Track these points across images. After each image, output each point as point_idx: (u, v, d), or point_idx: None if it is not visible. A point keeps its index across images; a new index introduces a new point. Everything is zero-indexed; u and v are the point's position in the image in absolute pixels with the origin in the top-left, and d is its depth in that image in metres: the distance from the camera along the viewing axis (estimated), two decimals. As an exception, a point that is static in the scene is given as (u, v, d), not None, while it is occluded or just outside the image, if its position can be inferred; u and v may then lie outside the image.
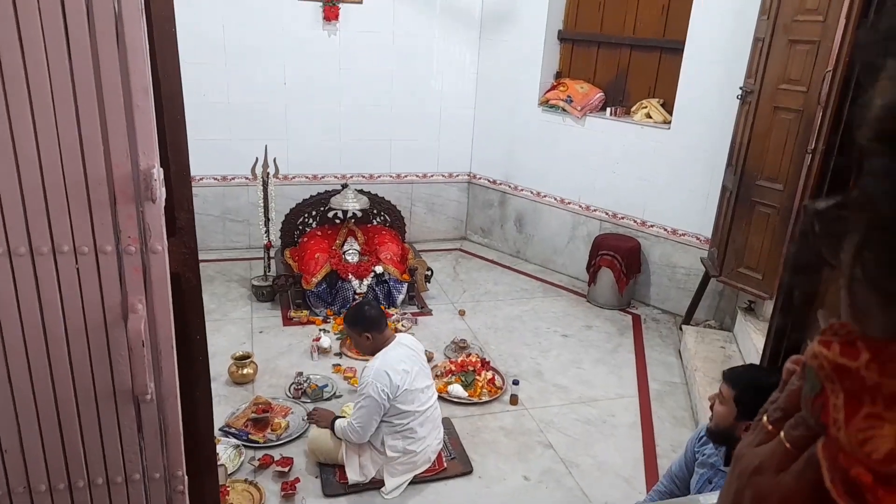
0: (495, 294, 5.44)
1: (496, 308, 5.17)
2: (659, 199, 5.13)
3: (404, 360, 2.90)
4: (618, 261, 5.10)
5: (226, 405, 3.64)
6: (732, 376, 2.06)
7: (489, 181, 6.36)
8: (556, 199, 5.82)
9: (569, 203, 5.73)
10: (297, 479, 3.05)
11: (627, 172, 5.27)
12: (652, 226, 5.22)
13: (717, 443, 2.09)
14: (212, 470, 1.65)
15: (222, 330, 4.53)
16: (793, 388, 0.44)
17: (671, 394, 4.05)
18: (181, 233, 1.48)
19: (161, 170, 1.24)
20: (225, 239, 5.97)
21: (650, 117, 5.13)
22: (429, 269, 5.19)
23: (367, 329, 2.87)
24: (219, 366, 3.90)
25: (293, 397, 3.75)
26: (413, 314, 4.88)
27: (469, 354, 4.22)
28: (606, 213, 5.48)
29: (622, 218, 5.38)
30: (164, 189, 1.27)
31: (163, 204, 1.25)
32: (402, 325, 4.64)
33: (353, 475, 2.95)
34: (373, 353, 2.96)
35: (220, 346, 4.21)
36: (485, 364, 4.12)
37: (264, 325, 4.65)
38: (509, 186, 6.17)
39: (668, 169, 5.02)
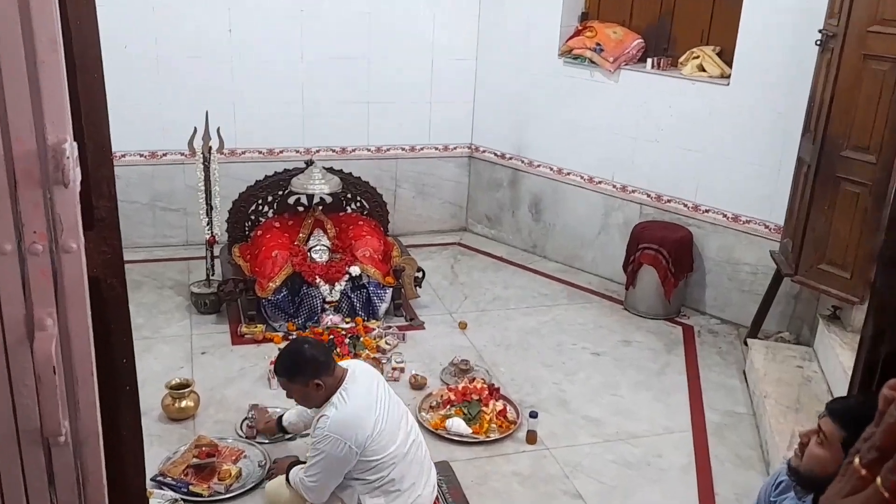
0: (505, 301, 5.46)
1: (507, 319, 5.18)
2: (716, 175, 5.15)
3: (370, 394, 2.87)
4: (663, 256, 5.12)
5: (160, 447, 3.65)
6: (841, 412, 1.96)
7: (496, 155, 6.37)
8: (582, 176, 5.83)
9: (599, 182, 5.74)
10: (254, 543, 3.09)
11: (675, 142, 5.28)
12: (707, 210, 5.23)
13: (806, 489, 2.04)
14: (144, 532, 1.66)
15: (154, 351, 4.54)
16: (891, 422, 0.44)
17: (734, 427, 4.07)
18: (101, 226, 1.48)
19: (75, 145, 1.24)
20: (155, 233, 5.97)
21: (703, 70, 5.14)
22: (419, 269, 5.20)
23: (315, 375, 2.81)
24: (150, 397, 3.91)
25: (246, 437, 3.75)
26: (400, 328, 4.89)
27: (473, 379, 4.23)
28: (648, 195, 5.49)
29: (668, 201, 5.40)
30: (78, 170, 1.27)
31: (78, 189, 1.25)
32: (387, 343, 4.65)
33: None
34: (326, 401, 2.90)
35: (152, 372, 4.22)
36: (493, 391, 4.14)
37: (208, 345, 4.66)
38: (522, 161, 6.18)
39: (727, 137, 5.04)
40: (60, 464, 1.37)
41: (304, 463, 3.11)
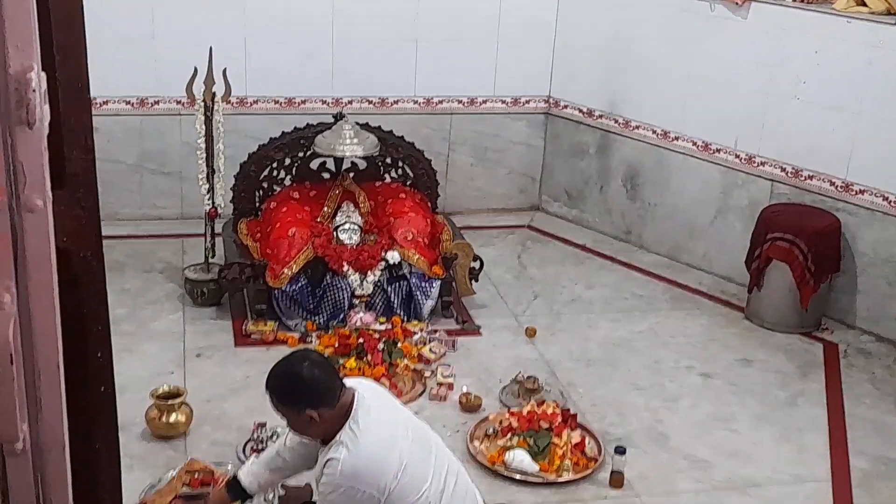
0: (588, 302, 5.43)
1: (589, 326, 5.16)
2: (874, 145, 5.04)
3: (387, 423, 2.87)
4: (800, 250, 5.04)
5: (142, 472, 3.71)
6: None
7: (581, 112, 6.32)
8: (695, 143, 5.76)
9: (717, 151, 5.67)
10: None
11: (820, 99, 5.18)
12: (861, 191, 5.13)
13: None
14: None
15: (138, 350, 4.61)
16: None
17: (889, 478, 3.99)
18: (74, 183, 1.50)
19: (44, 76, 1.26)
20: (143, 203, 6.06)
21: (864, 5, 5.01)
22: (476, 258, 5.20)
23: (310, 404, 2.78)
24: (132, 408, 3.95)
25: (250, 464, 3.82)
26: (449, 333, 4.91)
27: (542, 402, 4.23)
28: (782, 169, 5.41)
29: (809, 177, 5.31)
30: (47, 108, 1.29)
31: (45, 132, 1.27)
32: (432, 351, 4.67)
33: None
34: (328, 437, 2.86)
35: (135, 377, 4.27)
36: (569, 419, 4.13)
37: (204, 345, 4.72)
38: (616, 122, 6.14)
39: (891, 94, 4.92)
40: (16, 478, 1.40)
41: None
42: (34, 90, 1.20)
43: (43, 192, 1.26)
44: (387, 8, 5.99)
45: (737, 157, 5.58)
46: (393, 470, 2.81)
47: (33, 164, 1.24)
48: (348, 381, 2.99)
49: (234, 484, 3.20)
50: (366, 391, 2.95)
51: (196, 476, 3.56)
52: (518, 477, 3.83)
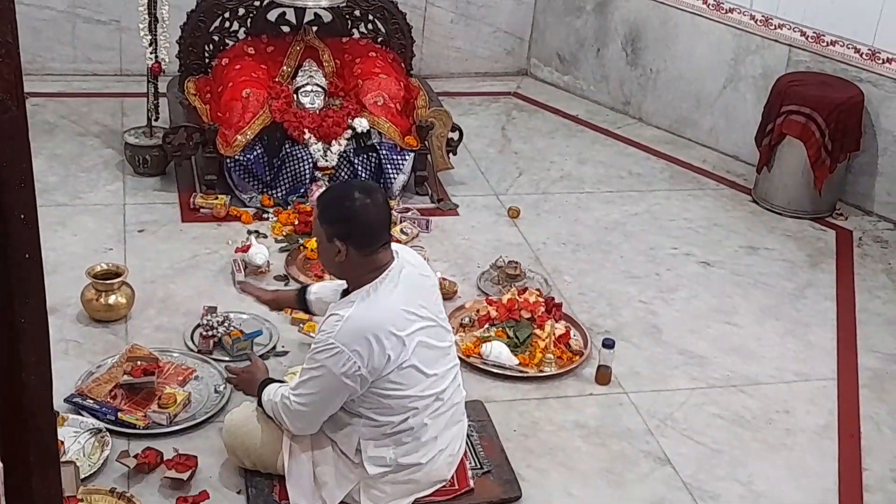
0: (579, 180, 5.42)
1: (579, 207, 5.16)
2: (908, 8, 4.98)
3: (409, 307, 2.91)
4: (817, 125, 5.02)
5: (78, 357, 3.72)
6: None
7: (578, -37, 6.20)
8: (704, 0, 5.67)
9: (730, 10, 5.59)
10: (205, 495, 3.14)
11: (851, -47, 5.08)
12: (889, 60, 5.09)
13: None
14: (48, 467, 1.68)
15: (71, 224, 4.58)
16: None
17: (899, 378, 4.08)
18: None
19: None
20: (76, 55, 5.94)
21: None
22: (456, 128, 5.15)
23: (341, 234, 2.87)
24: (65, 288, 3.95)
25: (199, 350, 3.82)
26: (423, 211, 4.90)
27: (524, 290, 4.24)
28: (802, 33, 5.35)
29: (832, 43, 5.26)
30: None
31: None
32: (403, 232, 4.65)
33: (301, 498, 3.01)
34: (343, 280, 2.96)
35: (69, 254, 4.25)
36: (553, 309, 4.15)
37: (148, 219, 4.69)
38: (617, -25, 6.02)
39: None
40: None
41: (280, 382, 3.17)
42: None
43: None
44: None
45: (752, 17, 5.51)
46: (393, 357, 2.85)
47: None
48: (399, 248, 3.03)
49: (302, 294, 3.46)
50: (407, 267, 2.98)
51: (138, 364, 3.57)
52: (495, 371, 3.86)
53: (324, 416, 2.96)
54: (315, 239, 3.03)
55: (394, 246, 3.00)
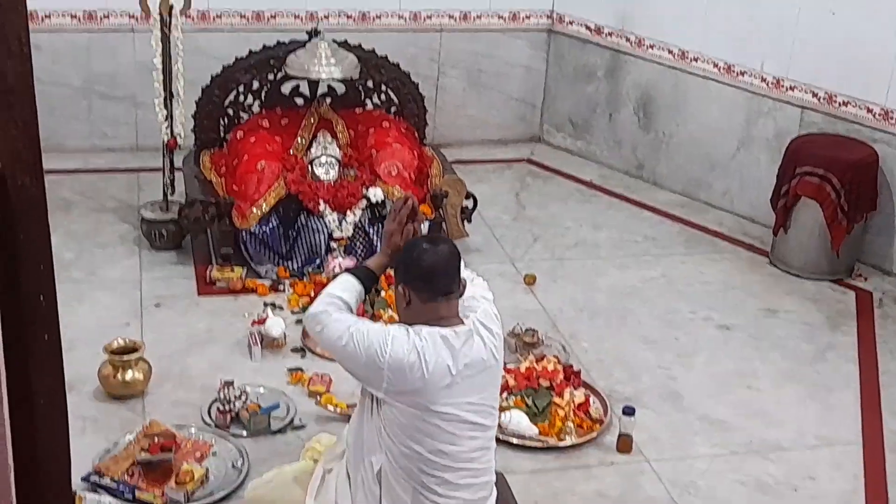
0: (594, 246, 5.43)
1: (595, 273, 5.16)
2: (919, 68, 5.02)
3: (458, 371, 2.86)
4: (832, 187, 5.03)
5: (95, 434, 3.71)
6: None
7: (588, 29, 6.28)
8: (716, 64, 5.73)
9: (741, 73, 5.63)
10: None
11: (858, 13, 5.13)
12: (902, 121, 5.12)
13: None
14: (68, 548, 1.69)
15: (88, 300, 4.60)
16: None
17: (926, 441, 4.04)
18: (8, 97, 1.46)
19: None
20: (92, 132, 6.01)
21: None
22: (470, 196, 5.18)
23: (408, 279, 2.89)
24: (83, 364, 3.95)
25: (216, 425, 3.82)
26: (439, 280, 4.92)
27: (542, 357, 4.24)
28: (814, 94, 5.38)
29: (844, 104, 5.29)
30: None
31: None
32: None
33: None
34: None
35: (85, 330, 4.26)
36: (571, 376, 4.14)
37: (164, 294, 4.71)
38: (627, 40, 6.10)
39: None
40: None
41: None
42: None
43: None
44: None
45: (763, 80, 5.54)
46: (429, 372, 2.81)
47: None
48: (478, 324, 2.94)
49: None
50: (476, 340, 2.91)
51: (156, 440, 3.56)
52: (515, 441, 3.83)
53: (342, 331, 2.89)
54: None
55: (478, 323, 2.94)
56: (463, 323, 2.92)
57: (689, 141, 5.93)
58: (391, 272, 3.08)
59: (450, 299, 2.94)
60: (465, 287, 2.99)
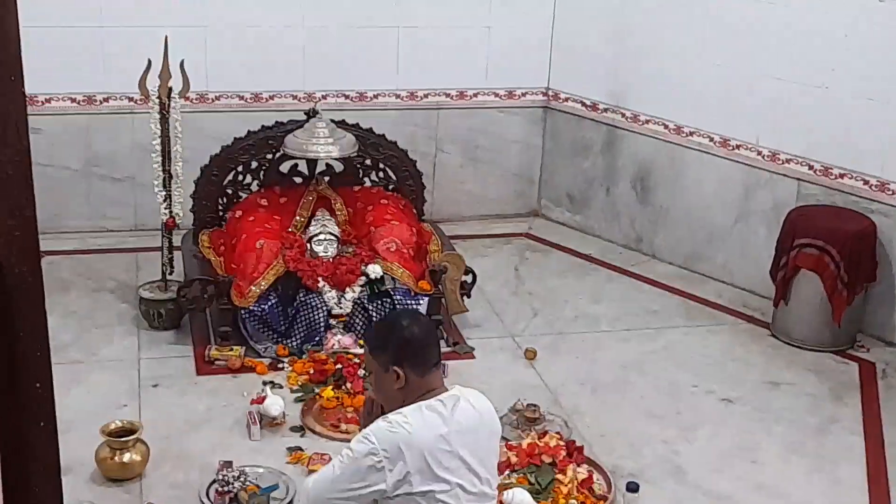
0: (595, 319, 5.42)
1: (596, 346, 5.15)
2: (913, 138, 5.06)
3: (453, 437, 2.86)
4: (832, 258, 5.04)
5: (91, 520, 3.69)
6: None
7: (584, 105, 6.33)
8: (712, 138, 5.77)
9: (737, 147, 5.67)
10: None
11: (853, 86, 5.17)
12: (899, 191, 5.15)
13: None
14: None
15: (86, 381, 4.58)
16: None
17: (935, 514, 3.98)
18: (6, 187, 1.48)
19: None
20: (91, 213, 6.04)
21: (897, -19, 5.02)
22: (469, 271, 5.19)
23: (399, 360, 2.89)
24: (80, 447, 3.91)
25: (215, 508, 3.79)
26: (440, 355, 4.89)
27: (544, 433, 4.21)
28: (810, 167, 5.41)
29: (840, 176, 5.31)
30: (-27, 103, 1.27)
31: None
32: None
33: None
34: (400, 408, 2.93)
35: (83, 412, 4.24)
36: (574, 452, 4.11)
37: (162, 374, 4.69)
38: (623, 115, 6.15)
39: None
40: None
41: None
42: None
43: (-31, 200, 1.24)
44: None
45: (759, 153, 5.58)
46: (416, 468, 2.79)
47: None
48: (467, 391, 3.00)
49: None
50: (468, 399, 2.94)
51: (153, 523, 3.52)
52: (518, 518, 3.78)
53: (333, 493, 2.88)
54: (367, 375, 3.07)
55: (465, 391, 2.99)
56: (447, 390, 2.94)
57: (687, 213, 5.95)
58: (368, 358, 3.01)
59: (439, 368, 2.98)
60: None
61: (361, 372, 4.58)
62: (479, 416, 2.97)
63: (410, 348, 2.90)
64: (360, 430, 3.06)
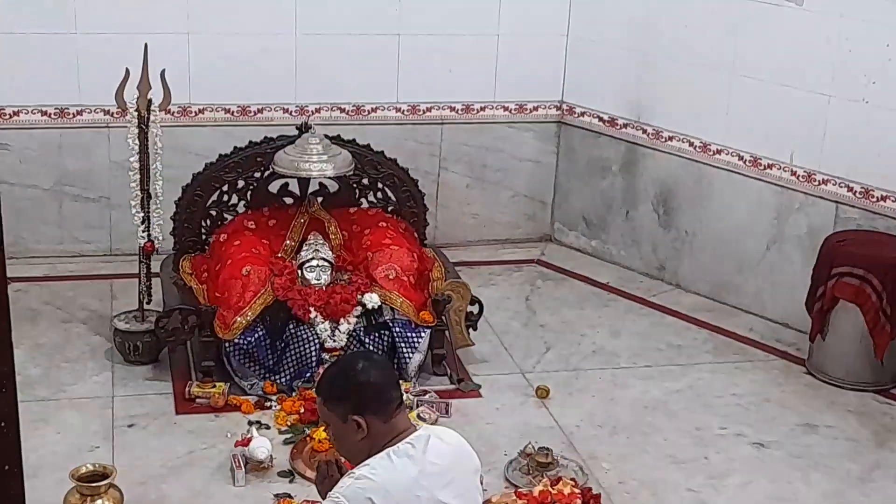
0: (613, 354, 5.41)
1: (615, 384, 5.14)
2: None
3: (424, 483, 2.85)
4: (873, 288, 5.03)
5: (58, 574, 3.68)
6: None
7: (601, 121, 6.35)
8: (741, 157, 5.78)
9: (769, 166, 5.68)
10: None
11: (892, 102, 5.19)
12: (947, 215, 5.15)
13: None
14: None
15: (55, 420, 4.57)
16: None
17: None
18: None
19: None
20: (63, 236, 6.04)
21: (944, -13, 5.05)
22: (475, 301, 5.18)
23: (359, 409, 2.88)
24: (47, 492, 3.91)
25: (195, 561, 3.77)
26: (441, 394, 4.88)
27: (558, 480, 4.19)
28: (849, 188, 5.42)
29: (882, 198, 5.32)
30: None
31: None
32: (420, 417, 4.62)
33: None
34: (366, 459, 2.91)
35: (51, 454, 4.23)
36: (590, 500, 4.10)
37: (138, 413, 4.68)
38: (644, 131, 6.16)
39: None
40: None
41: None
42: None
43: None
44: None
45: (793, 174, 5.58)
46: None
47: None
48: (437, 429, 3.02)
49: None
50: (435, 441, 2.93)
51: (127, 577, 3.50)
52: (529, 574, 3.77)
53: None
54: (325, 428, 3.06)
55: (434, 429, 3.01)
56: (416, 430, 2.94)
57: (715, 239, 5.94)
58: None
59: (403, 409, 2.97)
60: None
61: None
62: (454, 452, 2.96)
63: (369, 393, 2.89)
64: (321, 497, 3.06)
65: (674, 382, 5.16)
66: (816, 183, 5.51)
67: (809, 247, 5.45)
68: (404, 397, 3.14)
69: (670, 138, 6.03)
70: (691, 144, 5.95)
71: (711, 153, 5.87)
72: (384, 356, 3.15)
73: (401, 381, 4.71)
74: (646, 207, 6.23)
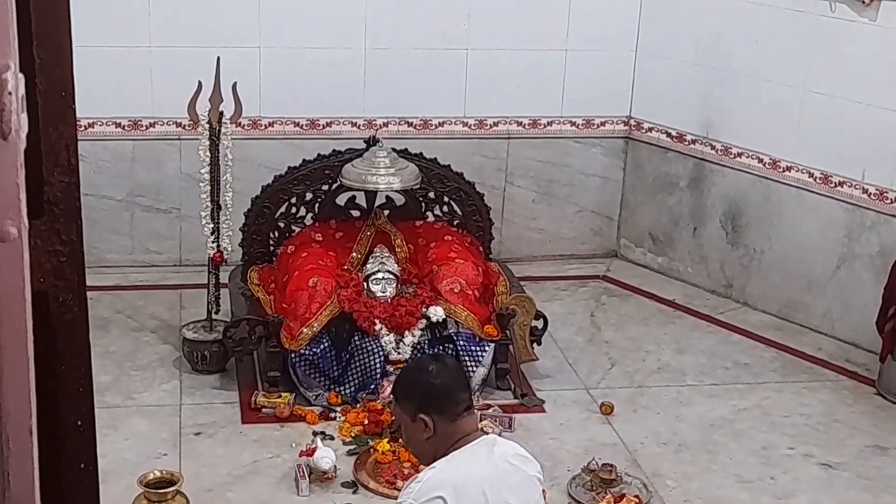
0: (679, 372, 5.39)
1: (680, 402, 5.11)
2: None
3: (489, 482, 2.91)
4: (947, 308, 4.96)
5: (126, 577, 3.74)
6: None
7: (669, 136, 6.33)
8: (811, 173, 5.73)
9: (840, 183, 5.63)
10: None
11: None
12: None
13: None
14: None
15: (124, 427, 4.63)
16: None
17: None
18: (55, 213, 1.50)
19: (22, 78, 1.27)
20: (134, 246, 6.14)
21: None
22: (540, 315, 5.19)
23: (426, 407, 2.96)
24: (115, 498, 3.95)
25: (259, 568, 3.80)
26: (504, 408, 4.88)
27: (622, 497, 4.18)
28: (922, 207, 5.35)
29: (957, 217, 5.24)
30: (25, 117, 1.30)
31: (23, 146, 1.27)
32: (484, 431, 4.61)
33: None
34: (433, 460, 2.98)
35: (120, 460, 4.28)
36: (655, 517, 4.07)
37: (205, 421, 4.73)
38: (713, 147, 6.14)
39: None
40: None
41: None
42: (10, 93, 1.20)
43: (18, 218, 1.26)
44: (431, 9, 6.06)
45: (864, 191, 5.53)
46: None
47: (7, 182, 1.24)
48: (495, 437, 3.11)
49: None
50: (499, 444, 3.02)
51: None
52: (592, 589, 3.75)
53: None
54: (399, 428, 3.17)
55: (497, 437, 3.09)
56: (485, 433, 3.05)
57: (783, 257, 5.90)
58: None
59: (471, 413, 3.05)
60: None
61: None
62: (519, 456, 3.03)
63: (436, 393, 2.99)
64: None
65: (740, 401, 5.13)
66: (888, 201, 5.45)
67: (881, 266, 5.40)
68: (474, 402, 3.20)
69: (739, 154, 6.01)
70: (760, 161, 5.92)
71: (781, 170, 5.84)
72: (456, 360, 3.20)
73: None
74: (713, 224, 6.19)
